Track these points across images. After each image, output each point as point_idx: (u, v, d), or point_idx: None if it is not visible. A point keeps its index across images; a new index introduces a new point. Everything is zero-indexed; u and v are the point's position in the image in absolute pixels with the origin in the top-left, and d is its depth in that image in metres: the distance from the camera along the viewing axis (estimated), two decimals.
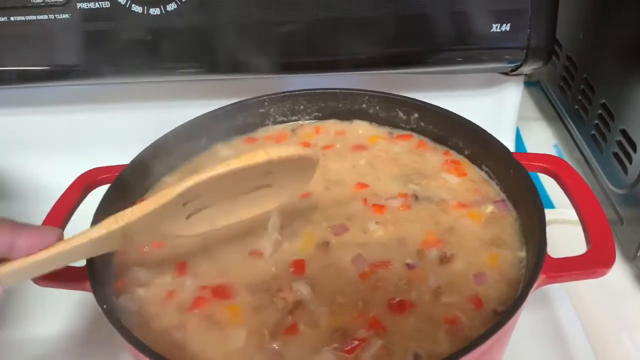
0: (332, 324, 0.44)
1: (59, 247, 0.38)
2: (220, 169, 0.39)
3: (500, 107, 0.78)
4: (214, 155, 0.63)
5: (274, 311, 0.46)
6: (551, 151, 0.87)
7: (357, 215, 0.54)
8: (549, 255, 0.44)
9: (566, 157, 0.83)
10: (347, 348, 0.42)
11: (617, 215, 0.67)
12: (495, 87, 0.76)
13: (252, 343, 0.43)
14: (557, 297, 0.64)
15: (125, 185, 0.55)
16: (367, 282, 0.48)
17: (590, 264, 0.44)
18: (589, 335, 0.60)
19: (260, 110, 0.64)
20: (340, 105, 0.65)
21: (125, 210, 0.39)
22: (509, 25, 0.62)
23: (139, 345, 0.39)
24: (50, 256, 0.37)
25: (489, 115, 0.78)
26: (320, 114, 0.66)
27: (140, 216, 0.39)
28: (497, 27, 0.62)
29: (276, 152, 0.39)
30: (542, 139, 0.88)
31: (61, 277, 0.47)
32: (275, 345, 0.43)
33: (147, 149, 0.57)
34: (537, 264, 0.42)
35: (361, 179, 0.58)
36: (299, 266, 0.49)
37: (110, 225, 0.39)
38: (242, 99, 0.64)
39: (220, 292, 0.48)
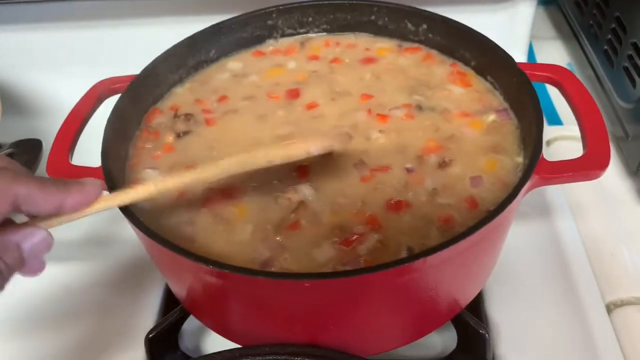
0: (332, 221, 0.47)
1: (103, 204, 0.40)
2: (256, 160, 0.44)
3: (512, 23, 0.77)
4: (223, 67, 0.64)
5: (278, 210, 0.48)
6: None
7: (361, 124, 0.55)
8: (544, 158, 0.45)
9: (578, 74, 0.82)
10: (345, 241, 0.45)
11: (624, 130, 0.68)
12: (508, 2, 0.75)
13: (257, 236, 0.46)
14: (558, 209, 0.66)
15: (136, 93, 0.57)
16: (367, 185, 0.50)
17: (585, 165, 0.45)
18: (587, 244, 0.63)
19: (269, 22, 0.64)
20: (349, 17, 0.65)
21: (166, 179, 0.43)
22: None
23: (152, 235, 0.42)
24: (94, 210, 0.40)
25: (501, 31, 0.77)
26: (329, 26, 0.66)
27: (175, 186, 0.43)
28: None
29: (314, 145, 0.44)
30: (556, 58, 0.87)
31: (79, 175, 0.49)
32: (278, 238, 0.46)
33: (157, 58, 0.58)
34: (530, 163, 0.43)
35: (367, 91, 0.59)
36: (303, 171, 0.51)
37: (151, 191, 0.42)
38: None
39: (228, 193, 0.50)
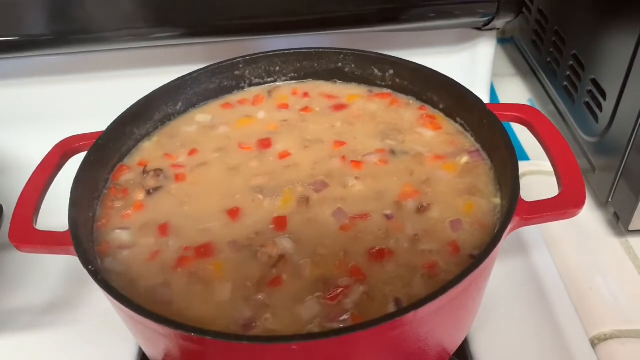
0: (315, 274, 0.45)
1: None
2: None
3: (474, 63, 0.79)
4: (191, 119, 0.63)
5: (257, 265, 0.47)
6: None
7: (337, 171, 0.55)
8: (522, 199, 0.46)
9: (540, 110, 0.84)
10: (330, 295, 0.43)
11: (590, 163, 0.69)
12: (468, 43, 0.77)
13: (237, 295, 0.44)
14: (533, 243, 0.66)
15: (103, 151, 0.55)
16: (347, 233, 0.49)
17: (562, 205, 0.46)
18: (564, 278, 0.63)
19: (236, 72, 0.64)
20: (316, 65, 0.65)
21: None
22: None
23: (126, 302, 0.40)
24: None
25: (463, 71, 0.79)
26: (296, 75, 0.66)
27: None
28: None
29: None
30: (517, 94, 0.89)
31: (45, 241, 0.47)
32: (260, 297, 0.44)
33: (123, 114, 0.57)
34: (510, 207, 0.43)
35: (339, 137, 0.59)
36: (280, 222, 0.50)
37: None
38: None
39: (203, 251, 0.48)
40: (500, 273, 0.61)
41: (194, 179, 0.56)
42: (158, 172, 0.56)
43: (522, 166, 0.77)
